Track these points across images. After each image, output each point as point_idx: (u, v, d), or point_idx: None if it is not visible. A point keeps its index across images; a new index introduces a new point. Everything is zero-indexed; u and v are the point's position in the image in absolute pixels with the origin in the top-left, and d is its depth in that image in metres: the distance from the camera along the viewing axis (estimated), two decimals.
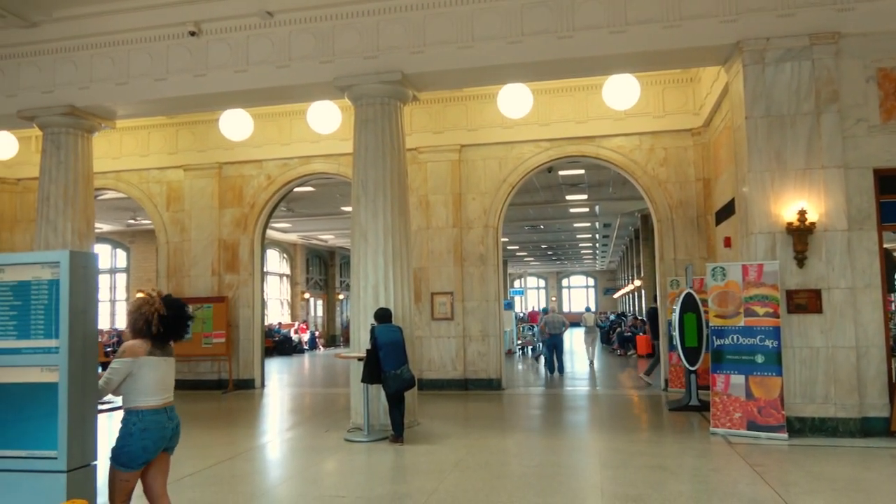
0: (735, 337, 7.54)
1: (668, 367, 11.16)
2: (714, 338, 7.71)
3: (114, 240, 25.23)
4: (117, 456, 3.53)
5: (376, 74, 8.56)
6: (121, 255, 25.96)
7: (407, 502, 5.23)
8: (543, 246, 36.16)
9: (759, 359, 7.37)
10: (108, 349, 17.74)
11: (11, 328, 3.53)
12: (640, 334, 19.16)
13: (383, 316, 7.70)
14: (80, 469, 3.42)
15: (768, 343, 7.35)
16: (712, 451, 6.93)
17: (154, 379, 3.64)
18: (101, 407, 3.72)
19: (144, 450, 3.56)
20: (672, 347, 10.35)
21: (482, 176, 12.05)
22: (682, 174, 11.41)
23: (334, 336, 31.15)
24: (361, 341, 8.15)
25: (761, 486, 5.50)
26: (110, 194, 14.63)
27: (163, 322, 3.64)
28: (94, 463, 3.53)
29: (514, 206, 13.95)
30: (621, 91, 9.53)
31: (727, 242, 9.83)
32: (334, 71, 8.71)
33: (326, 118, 10.32)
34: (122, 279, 25.92)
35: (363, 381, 7.62)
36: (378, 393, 7.84)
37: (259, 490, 6.00)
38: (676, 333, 9.30)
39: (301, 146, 12.71)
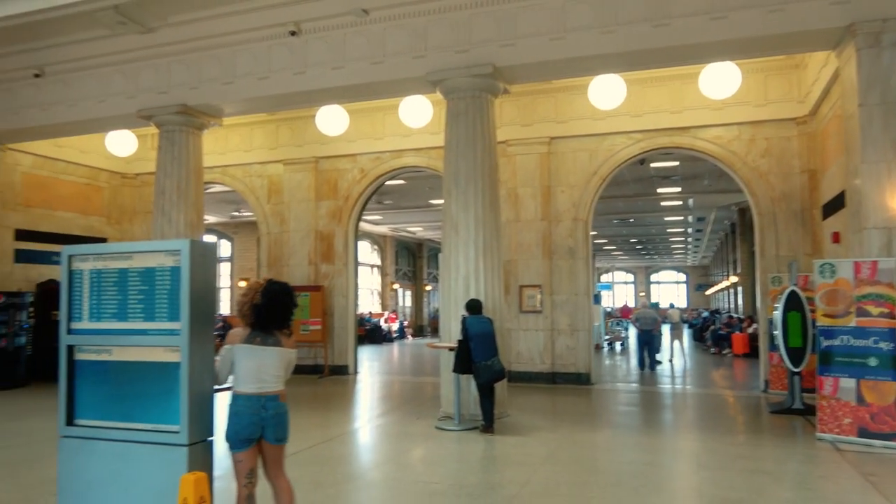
0: (845, 338, 7.12)
1: (768, 368, 10.68)
2: (821, 338, 7.31)
3: (218, 230, 26.68)
4: (225, 436, 3.75)
5: (467, 68, 8.62)
6: (225, 245, 27.42)
7: (500, 492, 5.30)
8: (633, 240, 35.30)
9: (873, 362, 6.93)
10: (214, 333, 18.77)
11: (139, 311, 3.81)
12: (737, 332, 18.36)
13: (474, 307, 7.79)
14: (199, 444, 3.65)
15: (883, 345, 6.90)
16: (819, 457, 6.59)
17: (248, 367, 3.74)
18: (216, 387, 3.97)
19: (236, 433, 3.70)
20: (773, 347, 9.90)
21: (571, 168, 11.92)
22: (785, 165, 10.85)
23: (422, 326, 31.67)
24: (452, 332, 8.27)
25: (874, 497, 5.20)
26: (217, 188, 15.47)
27: (254, 311, 3.76)
28: (212, 439, 3.77)
29: (603, 200, 13.70)
30: (720, 79, 9.18)
31: (836, 238, 9.28)
32: (427, 66, 8.85)
33: (418, 112, 10.52)
34: (225, 268, 27.40)
35: (454, 370, 7.75)
36: (468, 383, 7.96)
37: (355, 472, 6.25)
38: (779, 333, 8.88)
39: (393, 140, 12.99)
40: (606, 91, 9.65)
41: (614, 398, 10.78)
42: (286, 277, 13.46)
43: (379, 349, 21.94)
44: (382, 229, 28.13)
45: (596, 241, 32.63)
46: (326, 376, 12.97)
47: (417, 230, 29.48)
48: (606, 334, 21.14)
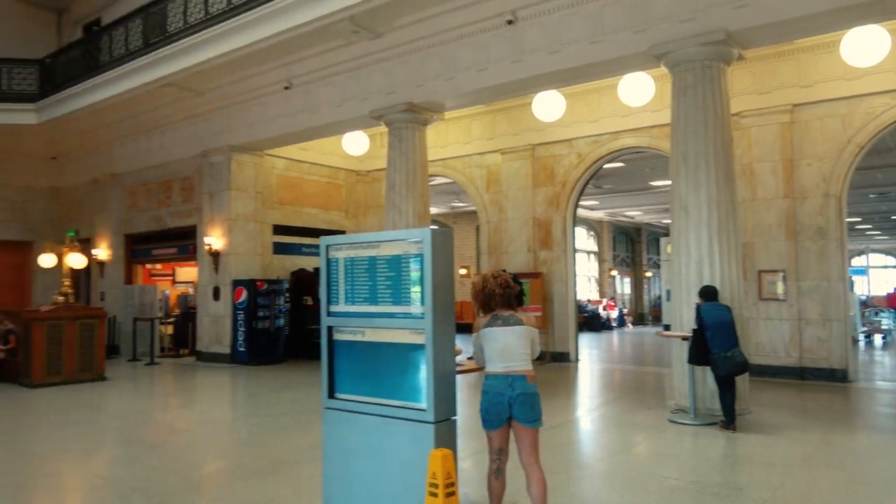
0: None
1: None
2: None
3: (439, 221, 28.07)
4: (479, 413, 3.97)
5: (695, 37, 8.01)
6: None
7: (750, 495, 4.86)
8: (894, 217, 30.44)
9: None
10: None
11: (388, 296, 4.09)
12: None
13: (709, 293, 7.23)
14: (444, 422, 3.84)
15: None
16: None
17: (494, 348, 3.95)
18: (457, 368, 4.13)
19: (486, 411, 3.91)
20: None
21: (819, 138, 10.55)
22: None
23: (642, 314, 30.45)
24: (684, 320, 7.79)
25: None
26: (438, 180, 16.22)
27: (488, 298, 4.04)
28: (455, 418, 3.94)
29: (859, 172, 11.95)
30: None
31: None
32: (649, 39, 8.39)
33: (638, 90, 10.00)
34: None
35: (689, 361, 7.26)
36: (704, 375, 7.45)
37: (585, 460, 6.16)
38: None
39: (610, 122, 12.56)
40: (864, 45, 8.35)
41: (878, 398, 9.39)
42: (505, 265, 13.71)
43: (598, 337, 21.51)
44: (598, 214, 27.47)
45: (847, 220, 28.75)
46: (548, 363, 13.00)
47: (636, 214, 28.31)
48: (864, 325, 18.53)
